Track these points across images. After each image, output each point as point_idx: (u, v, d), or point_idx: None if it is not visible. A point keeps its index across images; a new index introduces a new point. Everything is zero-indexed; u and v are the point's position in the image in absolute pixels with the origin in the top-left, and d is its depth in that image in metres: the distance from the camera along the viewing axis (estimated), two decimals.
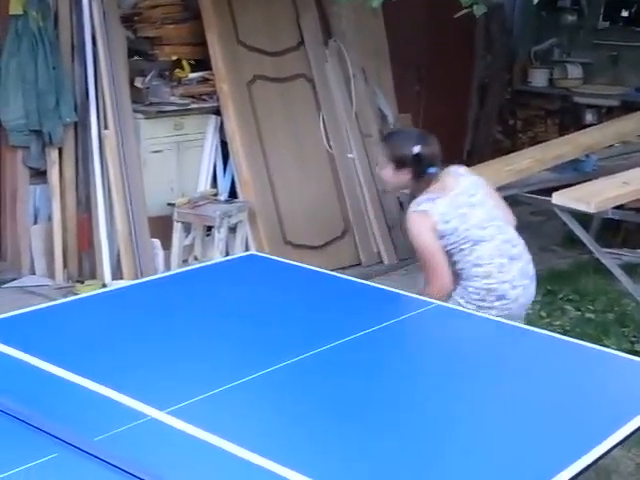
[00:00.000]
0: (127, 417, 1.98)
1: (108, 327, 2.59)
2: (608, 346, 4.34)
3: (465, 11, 3.85)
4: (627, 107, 6.95)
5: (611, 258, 5.09)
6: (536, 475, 1.90)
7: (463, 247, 3.17)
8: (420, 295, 3.04)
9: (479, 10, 3.80)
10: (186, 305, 2.79)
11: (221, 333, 2.54)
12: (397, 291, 3.08)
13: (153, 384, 2.18)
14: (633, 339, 4.54)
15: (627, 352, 4.16)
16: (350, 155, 5.86)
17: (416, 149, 3.19)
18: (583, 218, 4.99)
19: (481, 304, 3.18)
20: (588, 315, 4.96)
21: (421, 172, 3.19)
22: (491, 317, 2.95)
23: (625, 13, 7.70)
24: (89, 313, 2.72)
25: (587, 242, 4.71)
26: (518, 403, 2.27)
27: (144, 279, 3.89)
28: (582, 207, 4.46)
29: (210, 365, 2.31)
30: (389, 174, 3.26)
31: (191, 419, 1.98)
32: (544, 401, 2.31)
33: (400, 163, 3.21)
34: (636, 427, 2.14)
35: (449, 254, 3.18)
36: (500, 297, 3.20)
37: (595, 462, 1.98)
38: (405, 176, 3.22)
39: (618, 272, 4.73)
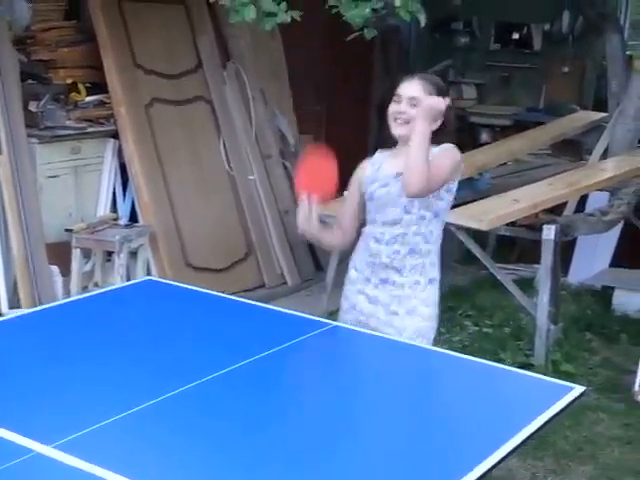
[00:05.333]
0: (10, 453, 1.92)
1: (1, 358, 2.53)
2: (504, 360, 4.48)
3: (356, 34, 3.93)
4: (519, 126, 7.21)
5: (506, 273, 5.24)
6: None
7: (444, 215, 3.10)
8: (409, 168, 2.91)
9: (369, 33, 3.89)
10: (80, 333, 2.76)
11: (114, 361, 2.52)
12: (295, 313, 3.11)
13: (39, 417, 2.13)
14: (528, 352, 4.67)
15: (522, 365, 4.34)
16: (251, 177, 5.89)
17: (447, 100, 3.02)
18: (480, 235, 5.13)
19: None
20: (486, 330, 5.10)
21: (448, 128, 3.03)
22: (387, 335, 2.99)
23: (515, 36, 7.98)
24: None
25: (482, 258, 4.84)
26: (412, 419, 2.33)
27: (41, 307, 3.81)
28: (475, 225, 4.58)
29: (101, 395, 2.29)
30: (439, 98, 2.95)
31: (81, 453, 1.93)
32: (438, 416, 2.38)
33: (444, 93, 3.01)
34: (525, 437, 2.22)
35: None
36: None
37: (489, 471, 2.04)
38: (434, 123, 2.95)
39: (512, 287, 4.87)
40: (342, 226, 3.16)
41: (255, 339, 2.74)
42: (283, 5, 3.83)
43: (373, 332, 2.98)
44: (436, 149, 2.97)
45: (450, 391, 2.54)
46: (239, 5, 3.82)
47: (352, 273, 3.14)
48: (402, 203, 3.01)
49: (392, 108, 3.02)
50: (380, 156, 3.13)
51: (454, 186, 3.07)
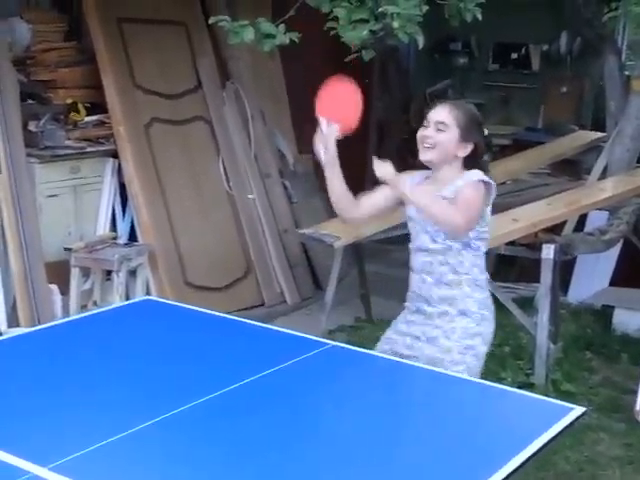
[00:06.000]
0: (6, 475, 1.91)
1: (1, 377, 2.52)
2: (505, 379, 4.46)
3: (354, 55, 3.94)
4: (518, 146, 7.23)
5: (506, 292, 5.23)
6: None
7: (480, 244, 3.00)
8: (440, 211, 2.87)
9: (367, 55, 3.91)
10: (79, 353, 2.75)
11: (112, 381, 2.50)
12: (294, 332, 3.10)
13: (36, 438, 2.11)
14: (528, 371, 4.65)
15: (523, 384, 4.33)
16: (250, 196, 5.90)
17: (486, 131, 3.00)
18: None
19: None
20: None
21: (479, 156, 2.97)
22: (386, 356, 2.98)
23: (514, 56, 8.02)
24: None
25: None
26: (411, 440, 2.31)
27: (41, 326, 3.80)
28: None
29: (98, 416, 2.27)
30: (449, 138, 2.91)
31: (77, 475, 1.92)
32: (437, 437, 2.36)
33: (468, 135, 2.93)
34: (526, 458, 2.21)
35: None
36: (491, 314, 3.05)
37: None
38: (462, 150, 2.93)
39: (512, 306, 4.86)
40: (360, 200, 3.09)
41: (254, 359, 2.73)
42: (282, 27, 3.85)
43: (372, 352, 2.99)
44: (460, 182, 2.91)
45: (450, 411, 2.52)
46: (238, 27, 3.84)
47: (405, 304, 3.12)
48: (429, 231, 2.98)
49: (420, 133, 2.97)
50: (420, 176, 3.06)
51: (487, 215, 2.97)
